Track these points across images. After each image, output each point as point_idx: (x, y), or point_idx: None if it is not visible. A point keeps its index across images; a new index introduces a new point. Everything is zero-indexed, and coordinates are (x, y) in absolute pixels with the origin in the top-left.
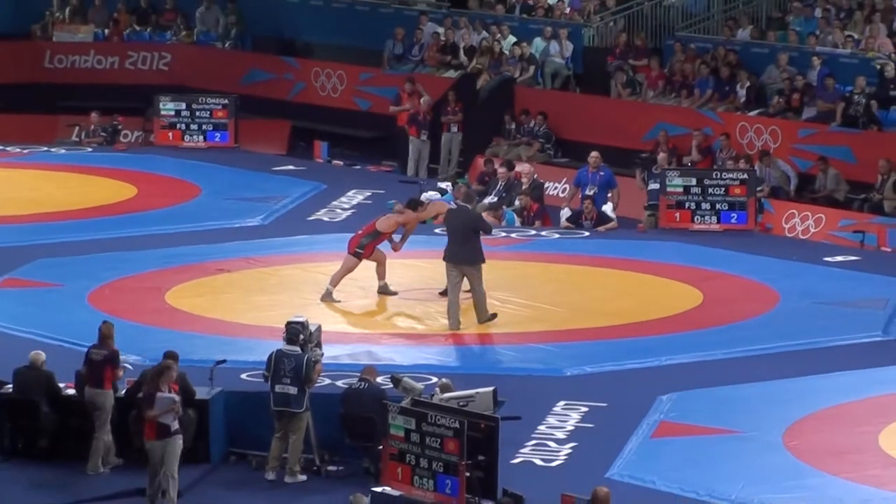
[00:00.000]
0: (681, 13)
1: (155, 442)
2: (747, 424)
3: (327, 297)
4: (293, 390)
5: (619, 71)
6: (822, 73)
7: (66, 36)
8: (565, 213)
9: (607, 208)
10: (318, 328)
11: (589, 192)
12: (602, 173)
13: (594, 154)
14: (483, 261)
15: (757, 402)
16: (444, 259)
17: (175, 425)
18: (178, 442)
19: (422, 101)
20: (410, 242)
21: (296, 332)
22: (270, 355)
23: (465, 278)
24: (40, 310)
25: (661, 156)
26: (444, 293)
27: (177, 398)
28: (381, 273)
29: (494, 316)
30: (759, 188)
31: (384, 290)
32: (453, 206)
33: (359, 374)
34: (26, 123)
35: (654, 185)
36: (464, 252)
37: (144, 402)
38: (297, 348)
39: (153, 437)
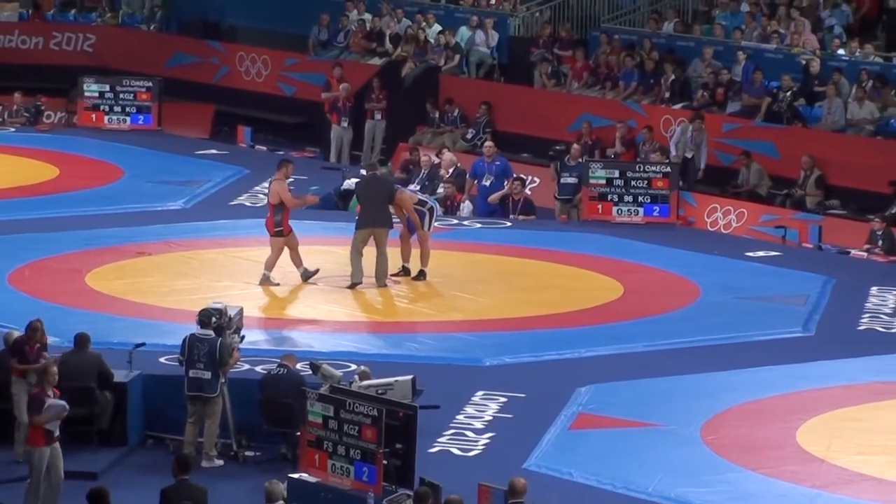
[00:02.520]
0: (607, 5)
1: (43, 448)
2: (665, 418)
3: (265, 282)
4: (207, 375)
5: (544, 61)
6: (749, 68)
7: None
8: (466, 206)
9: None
10: (239, 312)
11: (485, 182)
12: (497, 163)
13: (488, 144)
14: (392, 226)
15: (676, 395)
16: (359, 226)
17: (57, 432)
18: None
19: (341, 87)
20: (330, 229)
21: (207, 316)
22: (184, 340)
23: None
24: None
25: (575, 147)
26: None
27: (66, 406)
28: (296, 260)
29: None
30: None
31: (306, 276)
32: (362, 175)
33: (278, 361)
34: None
35: (567, 178)
36: (380, 217)
37: (32, 405)
38: (211, 332)
39: (41, 443)
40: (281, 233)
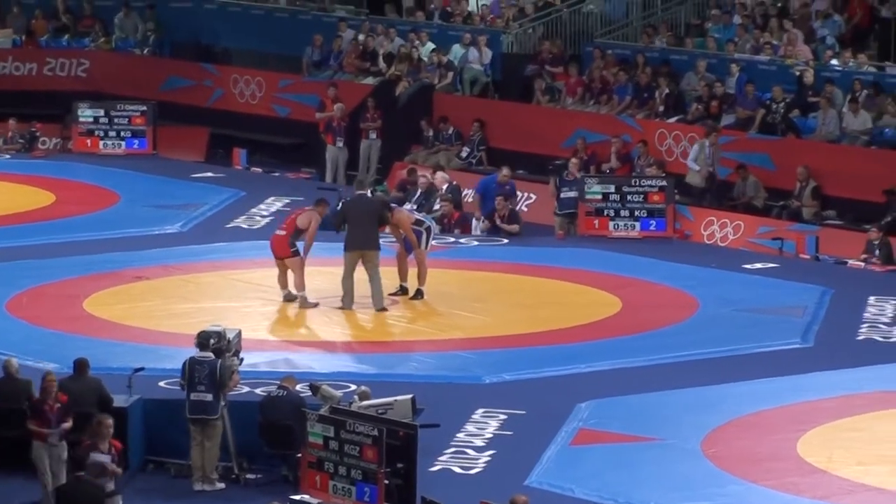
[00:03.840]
0: (600, 20)
1: None
2: (666, 432)
3: (305, 304)
4: (209, 397)
5: (538, 78)
6: (742, 80)
7: None
8: (476, 224)
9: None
10: (238, 335)
11: (496, 205)
12: (508, 186)
13: (506, 171)
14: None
15: (676, 409)
16: (348, 248)
17: (111, 486)
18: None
19: (335, 107)
20: (326, 250)
21: (206, 338)
22: (184, 363)
23: (363, 264)
24: None
25: (573, 161)
26: (414, 296)
27: (109, 462)
28: (291, 281)
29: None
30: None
31: (289, 298)
32: (352, 195)
33: (278, 383)
34: None
35: (567, 193)
36: (370, 238)
37: (81, 461)
38: (210, 354)
39: None
40: (297, 253)
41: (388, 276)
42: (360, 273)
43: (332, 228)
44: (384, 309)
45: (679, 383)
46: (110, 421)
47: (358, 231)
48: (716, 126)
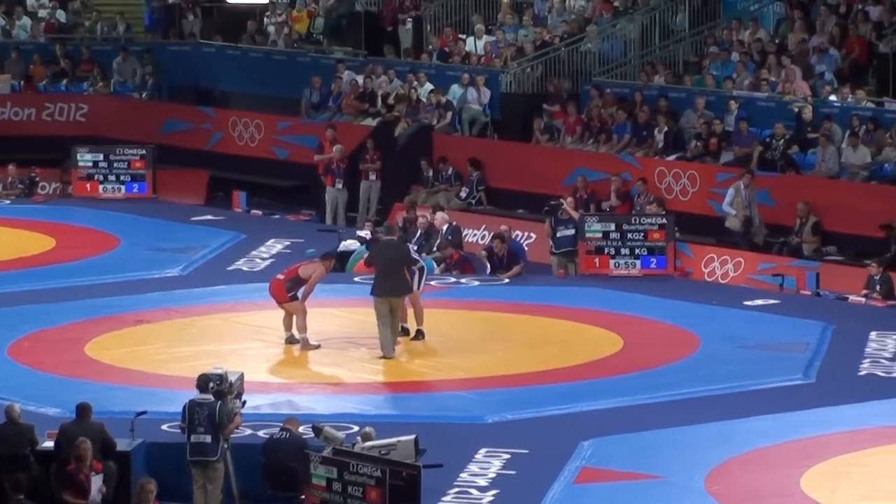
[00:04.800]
0: (598, 59)
1: None
2: (669, 469)
3: (307, 346)
4: (208, 439)
5: (538, 118)
6: (740, 117)
7: None
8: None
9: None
10: (240, 378)
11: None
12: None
13: (505, 228)
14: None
15: (679, 446)
16: (377, 294)
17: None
18: None
19: (334, 149)
20: (328, 291)
21: (205, 381)
22: (185, 406)
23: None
24: None
25: (568, 200)
26: (415, 337)
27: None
28: (294, 324)
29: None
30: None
31: (291, 340)
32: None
33: (280, 424)
34: None
35: (563, 232)
36: (397, 285)
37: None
38: (210, 396)
39: None
40: (295, 297)
41: None
42: (369, 315)
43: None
44: (391, 357)
45: (682, 420)
46: (153, 486)
47: (387, 278)
48: (750, 169)
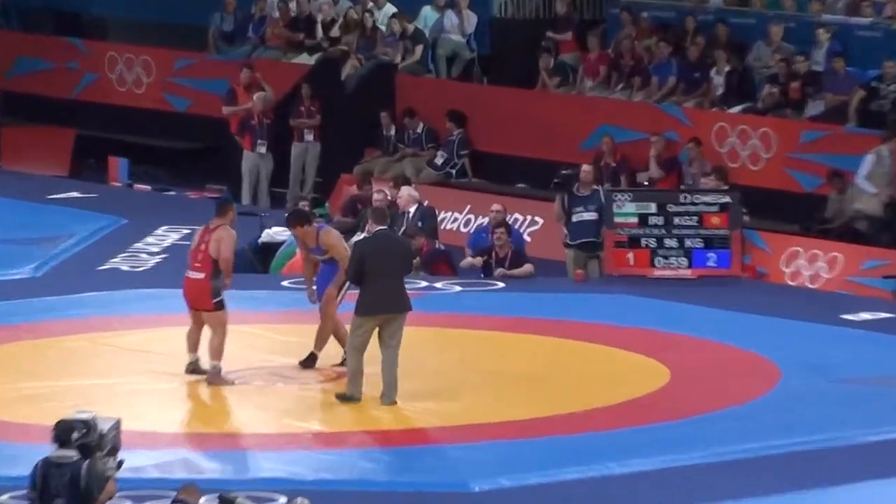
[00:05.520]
0: None
1: None
2: None
3: (216, 380)
4: None
5: (544, 53)
6: (833, 51)
7: None
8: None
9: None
10: (115, 426)
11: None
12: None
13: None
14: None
15: None
16: (367, 312)
17: None
18: None
19: (254, 98)
20: (245, 301)
21: (68, 430)
22: (35, 467)
23: (380, 332)
24: None
25: (585, 169)
26: (305, 362)
27: None
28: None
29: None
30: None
31: (194, 369)
32: (369, 233)
33: (173, 495)
34: None
35: (582, 215)
36: (398, 295)
37: None
38: (73, 453)
39: None
40: (221, 304)
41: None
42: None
43: (251, 268)
44: (394, 402)
45: (754, 489)
46: None
47: (383, 286)
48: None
